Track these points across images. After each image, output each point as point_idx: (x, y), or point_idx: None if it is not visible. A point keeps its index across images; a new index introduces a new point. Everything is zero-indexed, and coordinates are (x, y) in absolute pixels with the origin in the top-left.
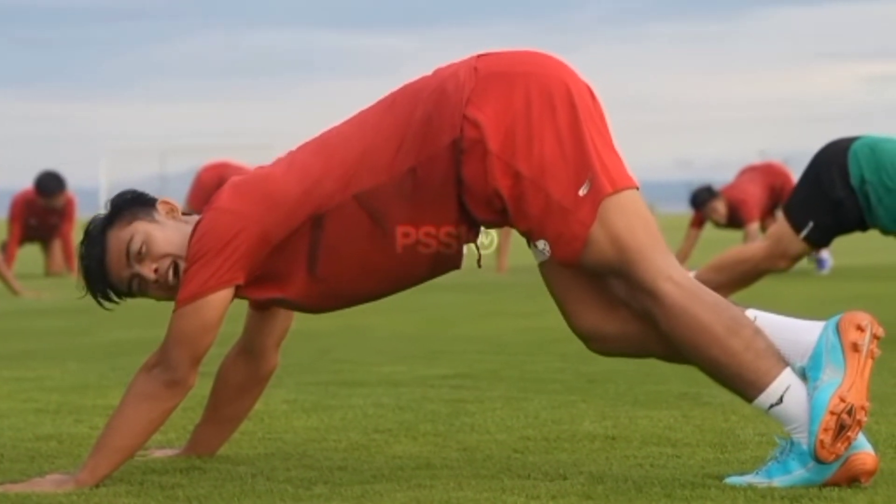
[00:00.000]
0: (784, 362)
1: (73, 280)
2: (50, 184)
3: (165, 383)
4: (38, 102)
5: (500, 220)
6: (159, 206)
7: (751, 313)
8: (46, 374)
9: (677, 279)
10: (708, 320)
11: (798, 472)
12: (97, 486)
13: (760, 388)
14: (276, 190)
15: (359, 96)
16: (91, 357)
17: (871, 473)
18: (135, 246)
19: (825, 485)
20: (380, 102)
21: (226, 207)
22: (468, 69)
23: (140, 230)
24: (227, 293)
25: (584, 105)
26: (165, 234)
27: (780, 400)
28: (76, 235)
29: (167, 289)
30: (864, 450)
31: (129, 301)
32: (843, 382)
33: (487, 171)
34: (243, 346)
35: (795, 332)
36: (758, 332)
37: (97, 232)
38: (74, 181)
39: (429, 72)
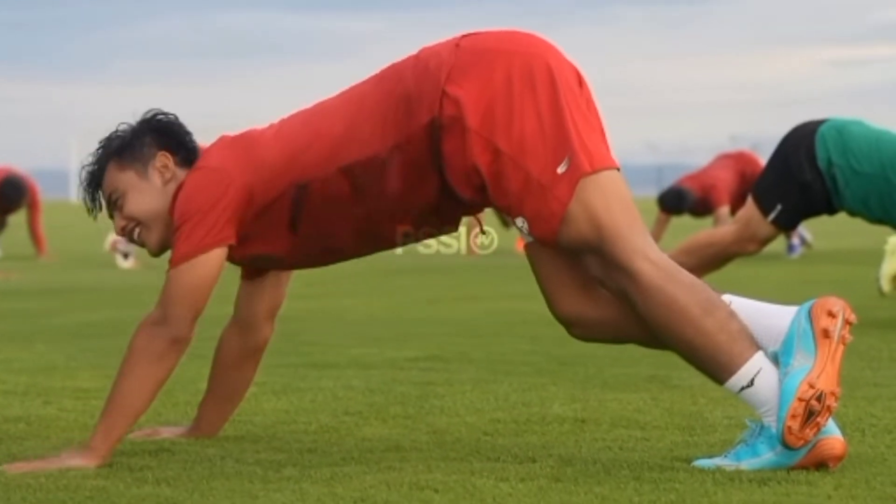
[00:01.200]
0: (757, 346)
1: (42, 261)
2: (13, 194)
3: (171, 341)
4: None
5: (481, 197)
6: (158, 159)
7: (726, 298)
8: (14, 356)
9: (654, 259)
10: (683, 300)
11: (767, 456)
12: (68, 468)
13: (732, 371)
14: (261, 155)
15: (328, 79)
16: (59, 339)
17: (839, 458)
18: (114, 197)
19: (793, 468)
20: (369, 79)
21: (213, 166)
22: (450, 47)
23: (123, 185)
24: (221, 251)
25: (566, 84)
26: (142, 200)
27: (751, 383)
28: (42, 222)
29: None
30: (833, 435)
31: (96, 284)
32: (812, 369)
33: (466, 147)
34: (236, 319)
35: (769, 317)
36: (732, 314)
37: (103, 156)
38: (44, 162)
39: (412, 52)
